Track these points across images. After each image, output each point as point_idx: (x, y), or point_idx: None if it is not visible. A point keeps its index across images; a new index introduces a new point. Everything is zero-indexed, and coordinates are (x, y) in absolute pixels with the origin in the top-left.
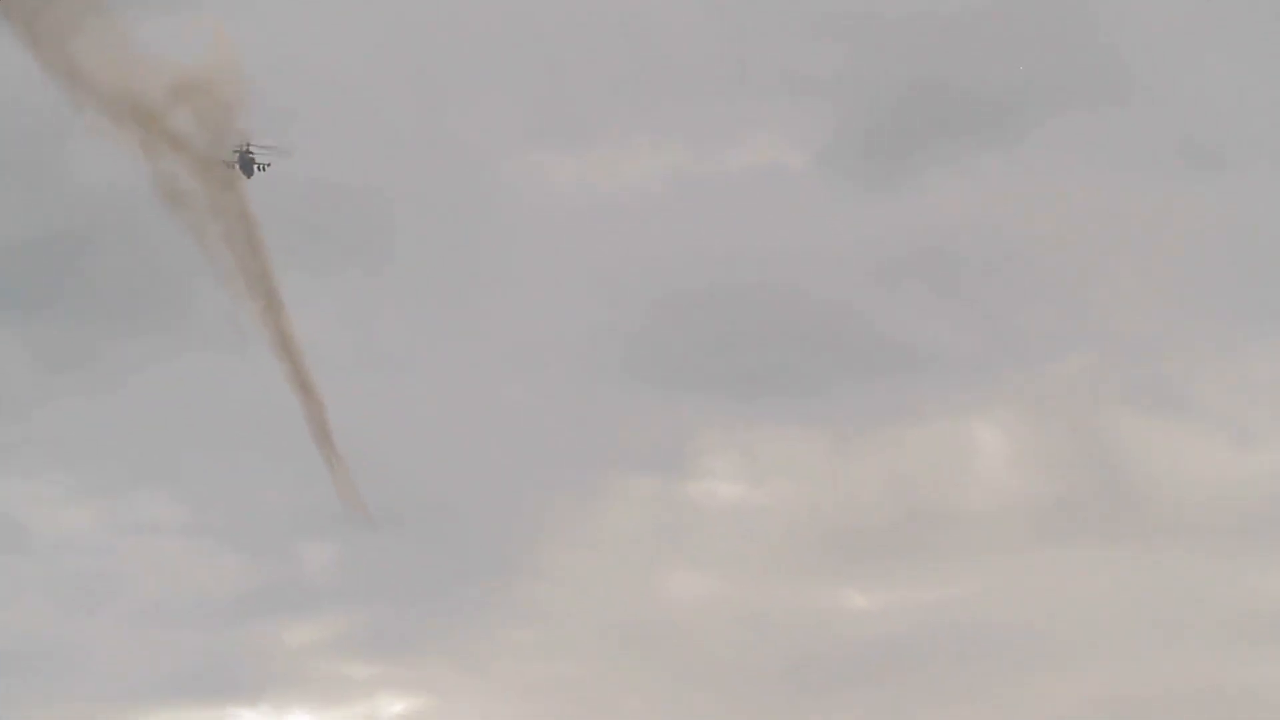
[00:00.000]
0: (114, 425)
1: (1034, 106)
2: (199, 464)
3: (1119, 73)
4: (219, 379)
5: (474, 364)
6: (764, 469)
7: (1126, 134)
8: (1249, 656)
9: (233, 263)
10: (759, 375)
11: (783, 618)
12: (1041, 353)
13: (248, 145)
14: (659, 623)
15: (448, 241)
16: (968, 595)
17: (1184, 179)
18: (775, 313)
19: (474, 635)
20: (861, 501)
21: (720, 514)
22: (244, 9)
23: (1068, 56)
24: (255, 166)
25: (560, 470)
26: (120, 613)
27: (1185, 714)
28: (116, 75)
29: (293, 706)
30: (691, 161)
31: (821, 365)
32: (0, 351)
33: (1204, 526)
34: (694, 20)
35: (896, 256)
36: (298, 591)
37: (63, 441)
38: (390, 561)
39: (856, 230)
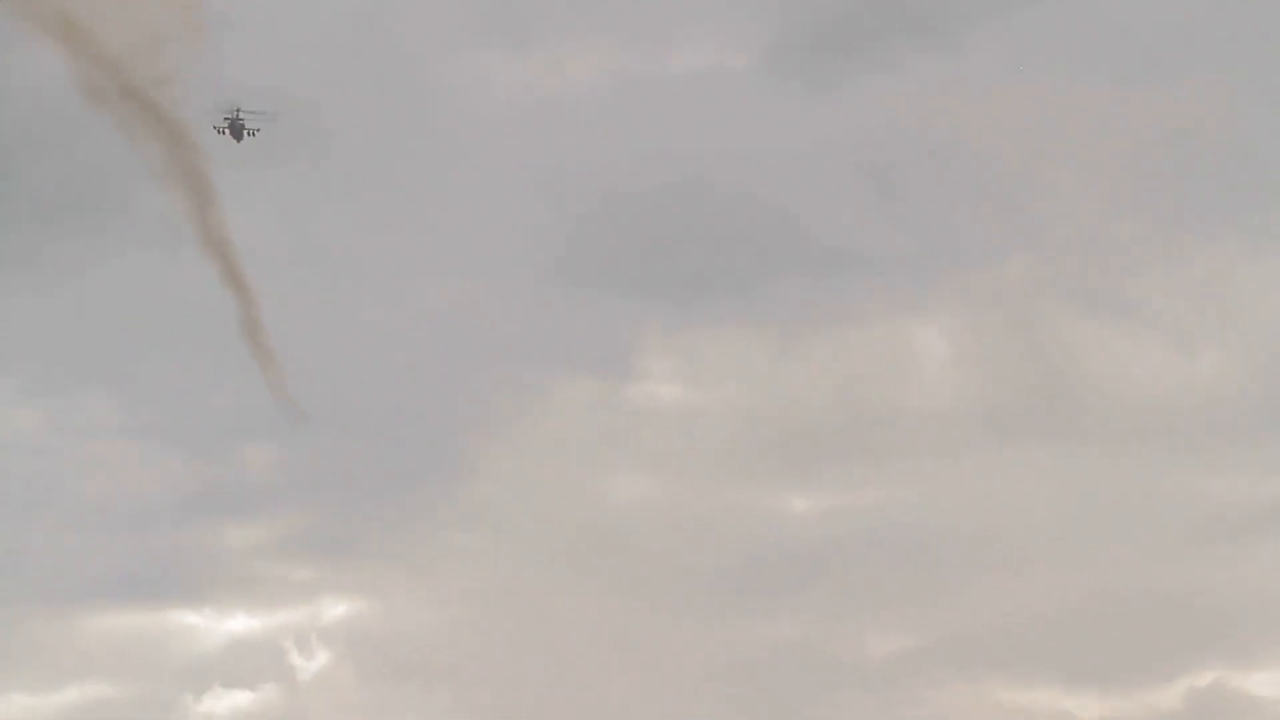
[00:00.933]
0: (53, 327)
1: (974, 9)
2: (140, 365)
3: None
4: (160, 280)
5: (415, 265)
6: (705, 371)
7: (1067, 37)
8: (1189, 558)
9: (165, 163)
10: (700, 277)
11: (724, 521)
12: (983, 255)
13: (238, 111)
14: (600, 526)
15: (389, 143)
16: (908, 498)
17: (1125, 82)
18: (716, 215)
19: (416, 538)
20: (802, 404)
21: (661, 417)
22: None
23: None
24: (245, 132)
25: (501, 373)
26: (61, 514)
27: (1127, 615)
28: None
29: (234, 608)
30: (633, 62)
31: (763, 268)
32: None
33: (1145, 429)
34: None
35: (838, 159)
36: (240, 493)
37: (1, 343)
38: (332, 464)
39: (798, 132)
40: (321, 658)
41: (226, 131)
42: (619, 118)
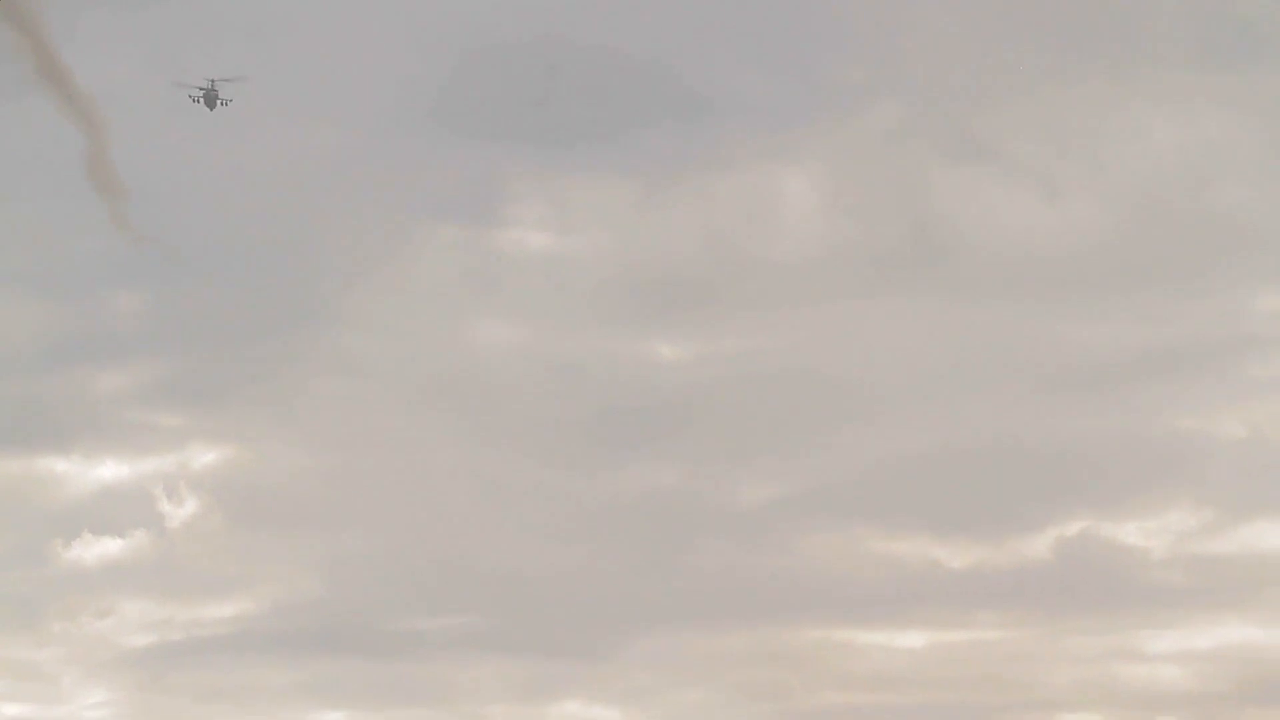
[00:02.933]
0: None
1: None
2: (1, 212)
3: None
4: (19, 127)
5: (283, 110)
6: (572, 218)
7: None
8: (1059, 407)
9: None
10: (568, 124)
11: (592, 368)
12: (851, 102)
13: (213, 82)
14: (468, 372)
15: None
16: (776, 346)
17: None
18: (584, 63)
19: (284, 385)
20: (670, 251)
21: (529, 263)
22: None
23: None
24: (219, 102)
25: (369, 219)
26: None
27: (996, 465)
28: None
29: (103, 455)
30: None
31: (630, 115)
32: None
33: (1013, 278)
34: None
35: (705, 4)
36: (107, 340)
37: None
38: (199, 310)
39: None
40: (190, 504)
41: (201, 100)
42: None
